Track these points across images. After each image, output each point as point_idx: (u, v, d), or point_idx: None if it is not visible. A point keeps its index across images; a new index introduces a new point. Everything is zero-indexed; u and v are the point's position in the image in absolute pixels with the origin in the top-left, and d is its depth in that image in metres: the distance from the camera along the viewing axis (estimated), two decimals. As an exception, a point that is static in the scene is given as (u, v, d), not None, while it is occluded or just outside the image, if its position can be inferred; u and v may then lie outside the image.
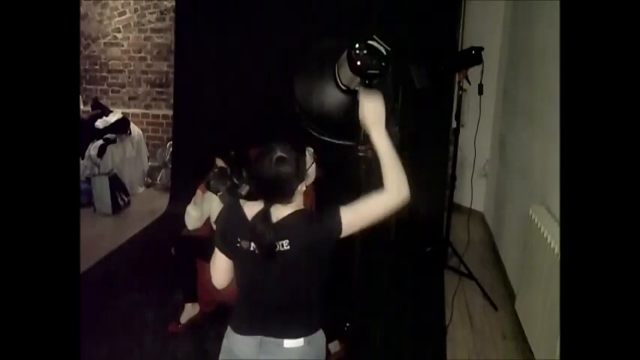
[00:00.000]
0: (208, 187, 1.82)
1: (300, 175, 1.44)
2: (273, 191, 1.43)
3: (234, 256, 1.50)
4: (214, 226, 1.74)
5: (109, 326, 2.78)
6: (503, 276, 3.39)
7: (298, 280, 1.46)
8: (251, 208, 1.48)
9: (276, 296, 1.47)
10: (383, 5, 3.85)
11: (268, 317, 1.48)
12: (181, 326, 2.77)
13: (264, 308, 1.49)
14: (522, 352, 2.58)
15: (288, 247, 1.40)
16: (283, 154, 1.40)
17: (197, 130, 4.52)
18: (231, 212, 1.51)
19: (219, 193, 1.75)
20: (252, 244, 1.43)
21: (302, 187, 1.47)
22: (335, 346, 2.52)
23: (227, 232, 1.49)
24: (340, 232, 1.40)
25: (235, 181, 1.84)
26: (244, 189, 1.73)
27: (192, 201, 2.74)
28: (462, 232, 3.90)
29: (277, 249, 1.40)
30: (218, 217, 1.56)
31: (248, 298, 1.52)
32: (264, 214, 1.42)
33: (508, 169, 3.73)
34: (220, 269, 1.54)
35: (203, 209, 2.73)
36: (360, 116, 1.44)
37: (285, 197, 1.44)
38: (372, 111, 1.41)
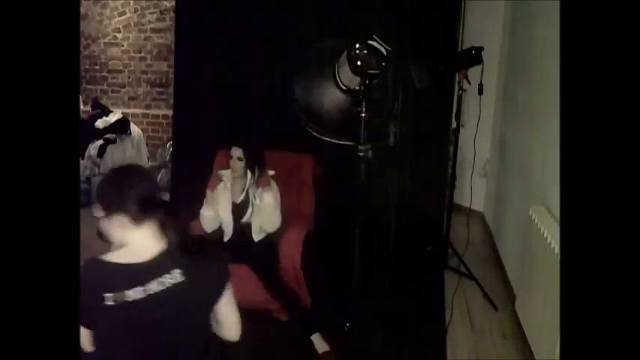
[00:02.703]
0: None
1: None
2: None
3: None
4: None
5: (109, 326, 2.78)
6: (503, 276, 3.39)
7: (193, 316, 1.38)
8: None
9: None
10: (383, 5, 3.85)
11: None
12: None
13: None
14: (522, 352, 2.58)
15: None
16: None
17: (197, 130, 4.52)
18: None
19: None
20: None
21: None
22: (322, 346, 2.50)
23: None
24: None
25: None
26: None
27: (204, 202, 2.75)
28: (462, 232, 3.90)
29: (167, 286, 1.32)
30: None
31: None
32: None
33: (508, 169, 3.73)
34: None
35: (216, 208, 2.74)
36: None
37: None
38: None
